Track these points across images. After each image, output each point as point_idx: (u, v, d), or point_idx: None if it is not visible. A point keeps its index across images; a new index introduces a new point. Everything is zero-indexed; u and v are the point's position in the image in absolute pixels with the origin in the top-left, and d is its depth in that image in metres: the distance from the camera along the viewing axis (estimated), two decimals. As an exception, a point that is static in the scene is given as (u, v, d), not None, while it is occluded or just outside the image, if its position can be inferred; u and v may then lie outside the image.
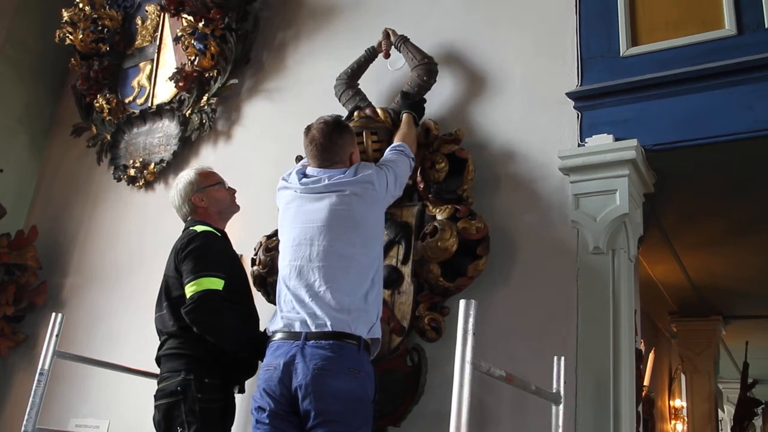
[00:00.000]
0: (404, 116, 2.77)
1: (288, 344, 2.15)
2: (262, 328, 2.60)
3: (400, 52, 3.04)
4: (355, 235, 2.27)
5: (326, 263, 2.21)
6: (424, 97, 2.90)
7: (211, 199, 2.63)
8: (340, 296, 2.17)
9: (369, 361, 2.19)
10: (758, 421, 9.63)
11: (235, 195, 2.74)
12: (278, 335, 2.20)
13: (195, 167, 2.79)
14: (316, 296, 2.18)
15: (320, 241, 2.24)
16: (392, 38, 3.07)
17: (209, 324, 2.33)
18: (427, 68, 2.91)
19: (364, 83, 3.13)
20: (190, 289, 2.33)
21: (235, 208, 2.74)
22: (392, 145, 2.60)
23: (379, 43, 3.12)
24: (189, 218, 2.63)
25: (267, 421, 2.12)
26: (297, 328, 2.17)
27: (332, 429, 2.05)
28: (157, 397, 2.39)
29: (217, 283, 2.35)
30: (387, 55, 3.10)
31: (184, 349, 2.38)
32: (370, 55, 3.14)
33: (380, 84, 3.17)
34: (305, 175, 2.42)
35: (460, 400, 1.58)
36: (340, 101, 3.09)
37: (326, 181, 2.33)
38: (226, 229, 2.68)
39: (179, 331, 2.41)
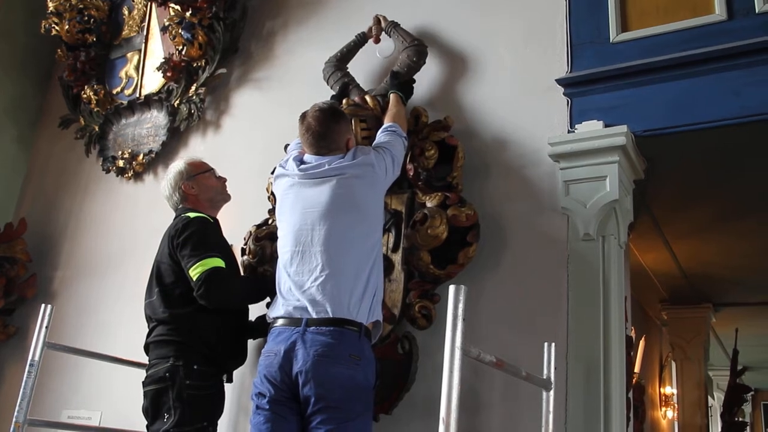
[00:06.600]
0: (392, 96, 2.75)
1: (289, 330, 2.15)
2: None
3: (390, 37, 3.04)
4: (356, 218, 2.27)
5: (327, 248, 2.21)
6: (414, 77, 2.89)
7: (201, 186, 2.65)
8: (341, 281, 2.17)
9: (370, 348, 2.19)
10: (748, 408, 9.72)
11: (226, 184, 2.75)
12: (279, 321, 2.20)
13: (185, 158, 2.81)
14: (317, 282, 2.18)
15: (321, 227, 2.24)
16: (383, 24, 3.08)
17: (225, 296, 2.39)
18: (416, 49, 2.92)
19: (353, 67, 3.11)
20: (195, 271, 2.34)
21: (226, 197, 2.75)
22: (384, 126, 2.59)
23: (370, 29, 3.12)
24: (180, 206, 2.63)
25: (267, 407, 2.12)
26: (298, 314, 2.17)
27: (332, 415, 2.05)
28: (145, 384, 2.39)
29: (219, 262, 2.38)
30: (377, 41, 3.10)
31: (174, 336, 2.39)
32: (360, 41, 3.14)
33: (369, 69, 3.15)
34: (302, 162, 2.41)
35: (450, 385, 1.58)
36: (327, 83, 3.08)
37: (326, 166, 2.33)
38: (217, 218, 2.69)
39: (169, 317, 2.41)
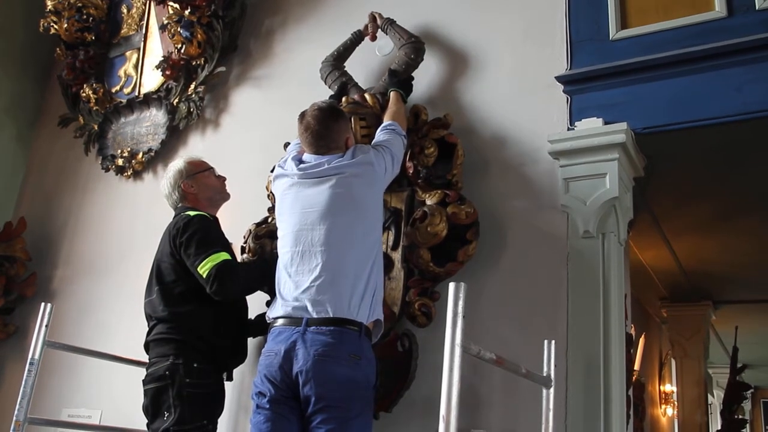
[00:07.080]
0: (392, 94, 2.75)
1: (289, 330, 2.14)
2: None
3: (387, 34, 3.04)
4: (356, 217, 2.26)
5: (327, 248, 2.20)
6: (412, 75, 2.88)
7: (200, 185, 2.65)
8: (341, 281, 2.16)
9: (370, 347, 2.19)
10: (747, 405, 9.73)
11: (225, 183, 2.74)
12: (279, 321, 2.19)
13: (184, 156, 2.81)
14: (317, 282, 2.17)
15: (321, 226, 2.23)
16: (379, 21, 3.07)
17: (238, 287, 2.39)
18: (414, 46, 2.91)
19: (351, 66, 3.11)
20: (204, 268, 2.33)
21: (226, 196, 2.75)
22: (383, 125, 2.58)
23: (366, 27, 3.11)
24: (179, 205, 2.63)
25: (267, 407, 2.12)
26: (298, 314, 2.16)
27: (332, 415, 2.04)
28: (145, 382, 2.39)
29: (226, 256, 2.38)
30: (374, 38, 3.09)
31: (173, 334, 2.38)
32: (357, 39, 3.14)
33: (367, 67, 3.15)
34: (301, 161, 2.40)
35: (450, 383, 1.58)
36: (325, 83, 3.08)
37: (325, 166, 2.32)
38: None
39: (169, 315, 2.41)
